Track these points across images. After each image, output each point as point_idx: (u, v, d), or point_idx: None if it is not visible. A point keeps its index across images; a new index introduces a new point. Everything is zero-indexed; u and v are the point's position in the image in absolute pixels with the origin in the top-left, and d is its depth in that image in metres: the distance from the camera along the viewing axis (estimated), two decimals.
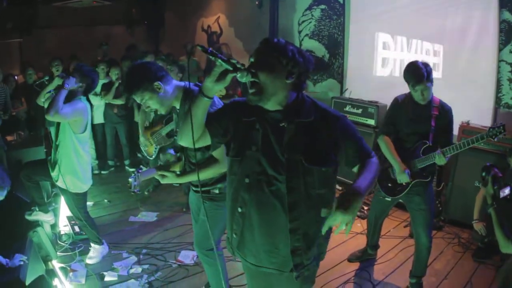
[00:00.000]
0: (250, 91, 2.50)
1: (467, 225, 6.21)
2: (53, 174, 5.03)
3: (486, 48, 6.65)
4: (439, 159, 4.34)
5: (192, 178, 3.71)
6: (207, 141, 2.79)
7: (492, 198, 4.17)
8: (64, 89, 4.73)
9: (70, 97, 4.86)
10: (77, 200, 5.19)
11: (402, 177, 4.54)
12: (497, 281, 4.16)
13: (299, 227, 2.62)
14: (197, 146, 2.75)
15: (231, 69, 2.40)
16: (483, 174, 4.28)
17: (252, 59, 2.54)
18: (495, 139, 4.27)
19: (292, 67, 2.49)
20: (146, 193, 7.71)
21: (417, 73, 4.33)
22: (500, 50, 6.53)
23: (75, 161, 4.99)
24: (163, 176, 3.56)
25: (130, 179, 3.68)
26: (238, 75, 2.41)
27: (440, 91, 6.97)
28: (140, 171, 3.75)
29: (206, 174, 3.64)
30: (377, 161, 2.72)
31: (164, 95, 3.54)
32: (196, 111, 2.60)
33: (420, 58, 7.39)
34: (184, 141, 2.77)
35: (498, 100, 6.66)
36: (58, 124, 4.96)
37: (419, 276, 4.81)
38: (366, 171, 2.60)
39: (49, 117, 4.71)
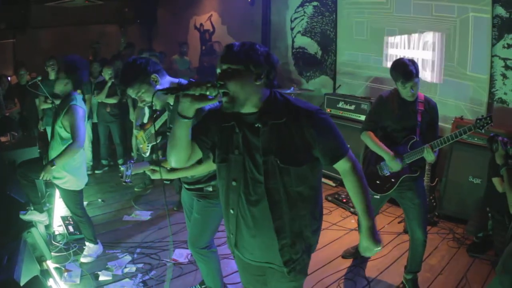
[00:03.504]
0: (223, 99, 2.52)
1: (462, 220, 6.23)
2: None
3: (479, 43, 6.67)
4: (427, 154, 4.34)
5: (183, 174, 3.71)
6: (197, 156, 2.83)
7: (504, 158, 4.26)
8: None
9: (67, 100, 4.91)
10: (74, 197, 5.24)
11: (394, 165, 4.52)
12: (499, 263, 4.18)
13: (284, 225, 2.70)
14: (190, 163, 2.84)
15: (199, 93, 2.46)
16: (491, 144, 4.68)
17: (218, 70, 2.55)
18: (482, 130, 4.27)
19: (258, 69, 2.51)
20: (136, 189, 7.71)
21: (406, 70, 4.33)
22: (493, 45, 6.54)
23: (71, 159, 5.01)
24: (153, 171, 3.57)
25: (122, 168, 3.68)
26: (208, 92, 2.45)
27: (434, 86, 7.02)
28: (132, 161, 3.74)
29: (198, 170, 3.65)
30: (354, 163, 2.80)
31: (161, 88, 3.55)
32: (179, 132, 2.63)
33: (415, 53, 7.43)
34: (175, 162, 2.80)
35: (491, 95, 6.68)
36: (54, 124, 4.98)
37: (415, 271, 4.80)
38: (357, 193, 2.82)
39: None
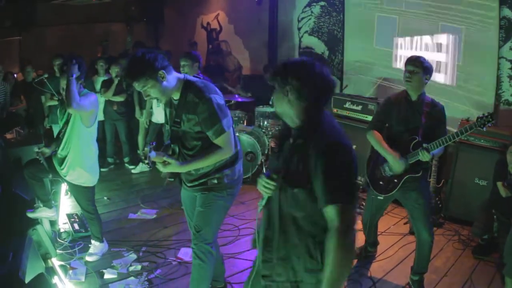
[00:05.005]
0: None
1: (467, 222, 6.21)
2: (62, 170, 5.07)
3: (486, 45, 6.65)
4: (423, 155, 4.36)
5: (194, 166, 3.74)
6: None
7: None
8: (72, 79, 4.74)
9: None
10: (87, 193, 5.26)
11: (396, 166, 4.55)
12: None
13: (272, 239, 2.70)
14: None
15: None
16: None
17: None
18: (484, 128, 4.27)
19: (296, 86, 2.52)
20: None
21: (413, 56, 4.57)
22: (500, 47, 6.53)
23: (85, 155, 5.06)
24: (165, 163, 3.57)
25: (146, 148, 3.64)
26: None
27: (441, 88, 7.00)
28: (154, 143, 3.71)
29: (209, 161, 3.70)
30: (341, 224, 2.33)
31: (167, 84, 3.58)
32: None
33: (422, 55, 7.41)
34: None
35: (498, 97, 6.67)
36: (67, 120, 4.97)
37: (421, 272, 4.79)
38: (328, 263, 2.37)
39: (71, 110, 4.79)
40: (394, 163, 4.53)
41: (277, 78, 2.57)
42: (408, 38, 7.84)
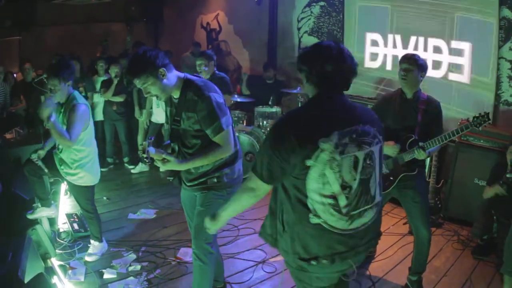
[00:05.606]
0: None
1: (467, 222, 6.22)
2: (63, 170, 5.07)
3: (485, 45, 6.64)
4: (419, 154, 4.38)
5: (194, 164, 3.74)
6: None
7: None
8: (53, 122, 4.64)
9: (68, 100, 4.90)
10: (86, 192, 5.26)
11: (389, 150, 4.55)
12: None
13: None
14: None
15: None
16: None
17: None
18: (480, 128, 4.32)
19: (306, 73, 2.73)
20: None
21: (408, 54, 4.64)
22: (499, 47, 6.52)
23: (83, 156, 5.04)
24: (164, 161, 3.57)
25: (145, 142, 3.64)
26: None
27: (440, 88, 7.00)
28: (152, 138, 3.71)
29: (208, 159, 3.70)
30: (243, 186, 2.92)
31: (167, 82, 3.60)
32: None
33: (420, 55, 7.40)
34: None
35: (498, 97, 6.65)
36: (62, 123, 4.95)
37: (420, 272, 4.78)
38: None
39: (65, 147, 4.90)
40: (391, 149, 4.55)
41: (296, 66, 2.79)
42: (403, 38, 7.83)
